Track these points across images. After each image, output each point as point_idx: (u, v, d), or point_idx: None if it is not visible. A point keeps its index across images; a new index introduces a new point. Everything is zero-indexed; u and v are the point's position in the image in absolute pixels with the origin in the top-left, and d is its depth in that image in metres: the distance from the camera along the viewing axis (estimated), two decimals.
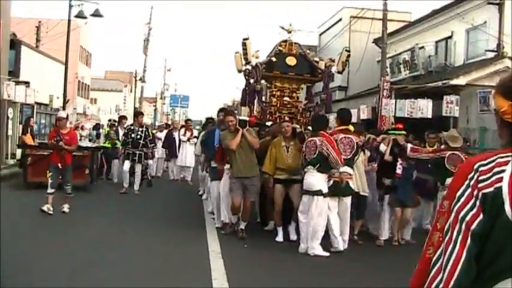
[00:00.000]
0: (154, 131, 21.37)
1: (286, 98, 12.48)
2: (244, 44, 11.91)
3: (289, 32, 12.65)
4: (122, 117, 20.37)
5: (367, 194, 10.45)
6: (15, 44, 26.34)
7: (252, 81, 12.19)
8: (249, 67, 12.12)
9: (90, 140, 22.23)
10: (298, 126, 10.67)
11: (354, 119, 23.77)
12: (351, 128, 10.12)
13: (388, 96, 20.27)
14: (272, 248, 9.46)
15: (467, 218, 2.00)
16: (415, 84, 22.22)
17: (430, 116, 18.18)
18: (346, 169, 9.45)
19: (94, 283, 6.80)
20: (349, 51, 12.95)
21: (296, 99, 12.72)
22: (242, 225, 10.22)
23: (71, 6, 26.51)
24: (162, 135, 21.55)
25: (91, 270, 7.36)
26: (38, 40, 35.22)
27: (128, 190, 15.69)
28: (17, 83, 23.18)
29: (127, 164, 15.82)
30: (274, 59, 12.24)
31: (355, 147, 9.59)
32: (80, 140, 22.59)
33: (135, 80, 58.60)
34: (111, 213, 12.30)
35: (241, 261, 8.61)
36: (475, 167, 2.05)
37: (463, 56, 23.24)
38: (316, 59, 13.02)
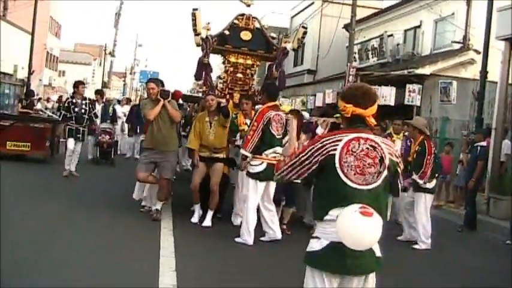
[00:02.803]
0: (116, 106, 20.76)
1: (238, 75, 11.95)
2: (193, 15, 11.29)
3: (248, 5, 11.97)
4: (99, 92, 18.72)
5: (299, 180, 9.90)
6: None
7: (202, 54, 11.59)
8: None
9: (53, 113, 21.96)
10: (223, 101, 9.91)
11: (319, 103, 24.09)
12: (288, 108, 9.81)
13: (354, 81, 20.35)
14: (231, 233, 8.89)
15: (317, 157, 3.45)
16: (382, 71, 22.36)
17: (392, 104, 18.32)
18: (278, 149, 8.67)
19: (39, 262, 6.69)
20: (305, 27, 12.38)
21: (250, 76, 12.09)
22: (158, 206, 9.47)
23: None
24: (122, 110, 20.99)
25: (39, 243, 7.28)
26: (5, 8, 34.54)
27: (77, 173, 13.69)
28: None
29: (71, 143, 13.58)
30: (227, 32, 11.67)
31: (285, 125, 8.75)
32: (45, 111, 22.52)
33: (105, 54, 58.00)
34: (64, 190, 11.88)
35: (192, 239, 8.49)
36: (322, 139, 3.50)
37: (430, 45, 23.43)
38: (273, 35, 12.42)
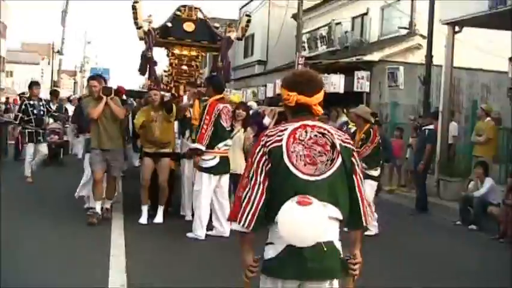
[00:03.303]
0: (67, 105, 20.19)
1: (184, 67, 11.77)
2: (134, 8, 11.05)
3: None
4: (55, 92, 18.29)
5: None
6: None
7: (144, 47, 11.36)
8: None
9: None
10: (167, 95, 9.77)
11: (270, 93, 24.05)
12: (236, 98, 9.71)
13: None
14: (182, 228, 8.84)
15: (265, 166, 3.11)
16: (332, 59, 22.46)
17: (342, 91, 18.40)
18: (229, 142, 8.67)
19: None
20: (249, 16, 12.27)
21: (195, 68, 11.94)
22: (107, 204, 9.39)
23: None
24: (71, 108, 20.23)
25: None
26: None
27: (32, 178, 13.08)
28: None
29: (31, 148, 13.23)
30: (170, 24, 11.45)
31: (231, 116, 8.86)
32: None
33: (53, 52, 56.94)
34: (11, 192, 11.43)
35: (143, 237, 8.41)
36: (266, 133, 3.23)
37: (378, 32, 23.62)
38: (217, 24, 12.32)
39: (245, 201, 3.10)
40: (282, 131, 3.17)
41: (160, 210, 9.30)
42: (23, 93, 21.91)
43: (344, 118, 13.82)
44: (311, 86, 3.26)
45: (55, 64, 55.83)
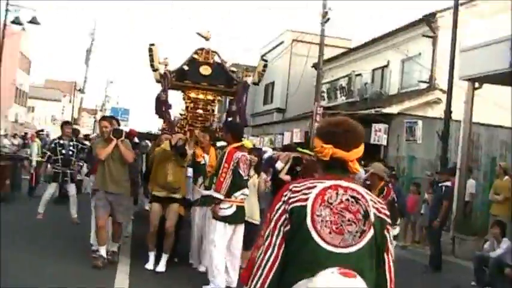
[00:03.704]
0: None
1: (199, 111, 11.61)
2: (150, 50, 11.01)
3: (207, 39, 11.68)
4: (74, 130, 17.98)
5: (257, 222, 9.17)
6: None
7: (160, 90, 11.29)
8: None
9: (18, 150, 21.63)
10: (179, 139, 9.11)
11: (287, 142, 24.04)
12: (249, 144, 9.41)
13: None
14: (188, 277, 8.75)
15: (283, 227, 2.69)
16: (350, 110, 22.42)
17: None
18: (246, 191, 8.38)
19: None
20: (266, 60, 12.18)
21: (210, 112, 11.77)
22: (114, 247, 9.18)
23: (7, 11, 25.87)
24: None
25: None
26: None
27: (43, 216, 12.80)
28: None
29: (52, 187, 13.06)
30: (186, 67, 11.39)
31: (250, 165, 8.55)
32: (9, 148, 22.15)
33: (75, 90, 57.67)
34: (22, 230, 11.43)
35: (149, 284, 8.26)
36: (290, 187, 2.77)
37: (398, 85, 23.61)
38: (233, 69, 12.11)
39: (257, 264, 2.71)
40: (309, 188, 2.72)
41: (164, 259, 8.90)
42: (42, 131, 22.11)
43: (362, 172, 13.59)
44: (350, 139, 2.81)
45: (76, 102, 56.49)
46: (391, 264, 2.77)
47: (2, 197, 15.11)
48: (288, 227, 2.67)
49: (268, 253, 2.68)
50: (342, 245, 2.61)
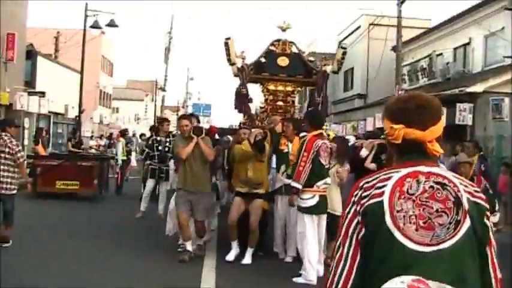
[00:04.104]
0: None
1: (279, 103, 11.52)
2: (226, 45, 11.04)
3: (284, 30, 11.66)
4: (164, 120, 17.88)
5: (339, 213, 8.59)
6: (31, 55, 26.52)
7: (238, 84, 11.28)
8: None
9: (105, 150, 22.32)
10: (258, 133, 8.98)
11: (370, 128, 23.67)
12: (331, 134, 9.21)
13: None
14: (273, 269, 8.62)
15: (356, 234, 2.22)
16: (433, 91, 21.84)
17: (444, 124, 17.73)
18: (328, 180, 8.20)
19: None
20: (344, 48, 11.99)
21: (291, 103, 11.67)
22: (199, 241, 9.27)
23: (86, 16, 26.61)
24: None
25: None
26: (56, 50, 35.42)
27: (143, 214, 13.03)
28: (31, 93, 23.27)
29: (151, 184, 13.10)
30: (263, 59, 11.36)
31: (331, 153, 8.41)
32: (96, 149, 22.86)
33: (156, 89, 58.81)
34: (111, 226, 11.85)
35: (235, 277, 8.23)
36: (361, 184, 2.30)
37: (481, 62, 22.83)
38: (311, 58, 12.06)
39: (329, 280, 2.24)
40: (383, 180, 2.24)
41: (249, 252, 8.94)
42: (126, 130, 22.62)
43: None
44: (425, 115, 2.30)
45: (158, 100, 57.62)
46: (495, 259, 2.25)
47: (90, 196, 15.61)
48: (362, 232, 2.19)
49: (340, 266, 2.22)
50: (434, 242, 2.13)
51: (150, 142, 13.47)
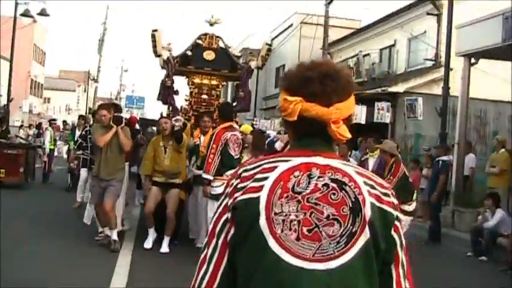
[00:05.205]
0: None
1: (203, 96, 11.67)
2: (153, 36, 11.10)
3: (212, 24, 11.78)
4: (83, 117, 17.71)
5: None
6: None
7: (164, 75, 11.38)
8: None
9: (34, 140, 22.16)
10: (177, 124, 9.21)
11: None
12: (248, 128, 9.56)
13: None
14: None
15: (224, 233, 1.76)
16: (358, 90, 22.52)
17: (363, 122, 18.48)
18: None
19: None
20: (269, 44, 12.23)
21: (215, 97, 11.83)
22: (113, 235, 9.01)
23: (17, 4, 26.30)
24: None
25: None
26: None
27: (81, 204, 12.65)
28: None
29: (84, 173, 12.71)
30: (189, 52, 11.44)
31: (242, 144, 8.73)
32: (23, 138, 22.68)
33: (89, 80, 58.22)
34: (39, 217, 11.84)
35: (149, 263, 8.50)
36: (239, 172, 1.83)
37: (405, 64, 23.72)
38: (238, 54, 12.24)
39: (191, 286, 1.81)
40: (266, 170, 1.77)
41: (166, 241, 9.11)
42: (54, 120, 22.61)
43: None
44: (330, 87, 1.80)
45: (91, 91, 57.07)
46: (403, 282, 1.80)
47: (16, 185, 15.63)
48: (231, 232, 1.75)
49: (202, 272, 1.78)
50: (318, 258, 1.66)
51: (83, 133, 13.20)
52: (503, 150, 12.60)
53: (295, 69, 1.90)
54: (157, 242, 9.21)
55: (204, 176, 8.49)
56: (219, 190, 8.33)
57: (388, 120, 18.74)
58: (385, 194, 1.76)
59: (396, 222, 1.76)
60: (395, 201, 1.78)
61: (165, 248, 9.09)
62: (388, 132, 19.54)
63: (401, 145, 16.01)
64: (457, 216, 13.48)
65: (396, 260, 1.77)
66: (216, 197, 8.39)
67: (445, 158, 12.72)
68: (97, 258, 8.46)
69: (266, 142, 10.56)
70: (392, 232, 1.74)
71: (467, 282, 9.20)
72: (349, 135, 1.81)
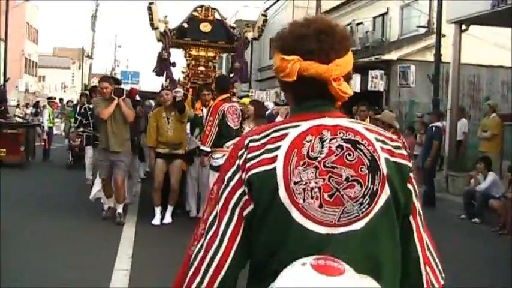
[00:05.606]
0: None
1: (200, 68, 11.69)
2: (149, 9, 11.09)
3: None
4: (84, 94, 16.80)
5: None
6: None
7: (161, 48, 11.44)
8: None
9: (32, 119, 22.30)
10: (179, 95, 9.25)
11: None
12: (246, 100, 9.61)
13: None
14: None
15: (239, 207, 1.68)
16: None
17: (358, 91, 18.63)
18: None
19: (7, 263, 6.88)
20: (265, 15, 12.24)
21: (212, 69, 11.86)
22: (119, 209, 9.24)
23: None
24: None
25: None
26: None
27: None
28: None
29: (90, 150, 12.59)
30: (186, 25, 11.46)
31: (241, 115, 8.85)
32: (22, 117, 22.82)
33: (83, 57, 58.13)
34: (33, 194, 12.04)
35: (152, 233, 8.80)
36: (246, 142, 1.72)
37: (398, 32, 23.79)
38: (234, 25, 12.28)
39: (193, 267, 1.69)
40: (276, 139, 1.69)
41: (169, 211, 9.33)
42: (52, 98, 22.73)
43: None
44: (327, 43, 1.73)
45: (85, 68, 57.00)
46: (422, 232, 1.78)
47: (18, 163, 15.83)
48: (250, 208, 1.66)
49: (212, 250, 1.67)
50: (344, 222, 1.64)
51: (82, 110, 13.32)
52: (494, 115, 12.86)
53: (288, 28, 1.81)
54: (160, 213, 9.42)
55: (202, 147, 8.71)
56: (220, 162, 8.48)
57: (382, 88, 18.94)
58: (397, 147, 1.74)
59: (411, 174, 1.74)
60: (406, 154, 1.75)
61: (168, 218, 9.33)
62: (382, 100, 19.75)
63: (396, 112, 16.20)
64: (451, 180, 13.77)
65: (414, 210, 1.75)
66: (217, 168, 8.60)
67: (438, 124, 12.96)
68: (102, 231, 8.70)
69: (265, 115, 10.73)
70: (408, 184, 1.72)
71: (461, 243, 9.48)
72: (351, 92, 1.76)
